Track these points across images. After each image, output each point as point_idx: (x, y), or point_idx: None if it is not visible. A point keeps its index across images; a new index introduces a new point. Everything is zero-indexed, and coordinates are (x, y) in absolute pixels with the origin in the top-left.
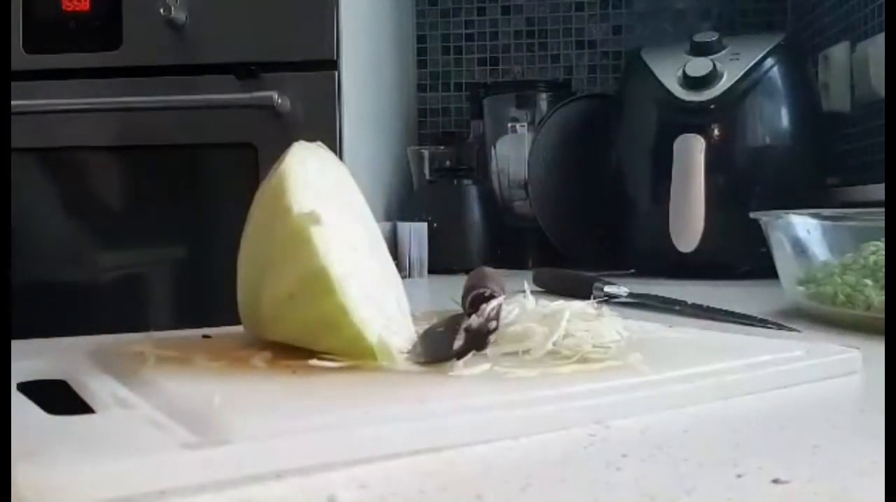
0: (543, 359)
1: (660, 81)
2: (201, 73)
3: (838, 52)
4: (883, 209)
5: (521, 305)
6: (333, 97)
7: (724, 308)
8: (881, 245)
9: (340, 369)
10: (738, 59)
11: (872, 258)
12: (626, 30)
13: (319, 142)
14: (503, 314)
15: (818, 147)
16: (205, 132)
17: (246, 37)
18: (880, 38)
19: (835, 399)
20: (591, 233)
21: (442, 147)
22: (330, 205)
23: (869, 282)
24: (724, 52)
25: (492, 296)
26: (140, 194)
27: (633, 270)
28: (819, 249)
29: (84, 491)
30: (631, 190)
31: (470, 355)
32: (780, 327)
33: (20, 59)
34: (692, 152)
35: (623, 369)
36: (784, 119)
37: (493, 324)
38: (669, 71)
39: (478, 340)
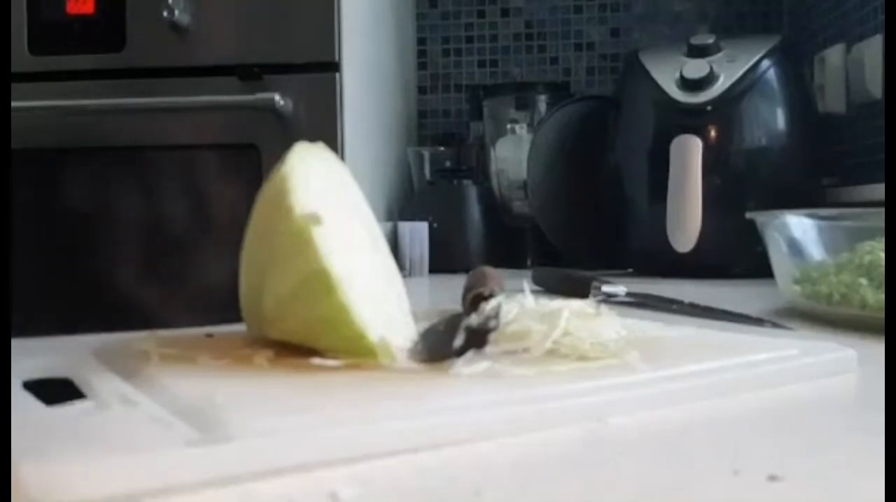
0: (542, 358)
1: (657, 83)
2: (204, 75)
3: (834, 55)
4: (878, 209)
5: (520, 304)
6: (335, 99)
7: (721, 307)
8: (876, 245)
9: (342, 367)
10: (734, 62)
11: (867, 258)
12: (624, 32)
13: (321, 143)
14: (502, 313)
15: (814, 148)
16: (207, 133)
17: (248, 39)
18: (875, 41)
19: (830, 397)
20: (589, 233)
21: (442, 148)
22: (331, 205)
23: (864, 281)
24: (720, 54)
25: (491, 296)
26: (143, 194)
27: (630, 270)
28: (814, 249)
29: (87, 488)
30: (629, 190)
31: (469, 353)
32: (775, 326)
33: (25, 60)
34: (689, 153)
35: (621, 367)
36: (780, 120)
37: (492, 323)
38: (667, 73)
39: (477, 339)
